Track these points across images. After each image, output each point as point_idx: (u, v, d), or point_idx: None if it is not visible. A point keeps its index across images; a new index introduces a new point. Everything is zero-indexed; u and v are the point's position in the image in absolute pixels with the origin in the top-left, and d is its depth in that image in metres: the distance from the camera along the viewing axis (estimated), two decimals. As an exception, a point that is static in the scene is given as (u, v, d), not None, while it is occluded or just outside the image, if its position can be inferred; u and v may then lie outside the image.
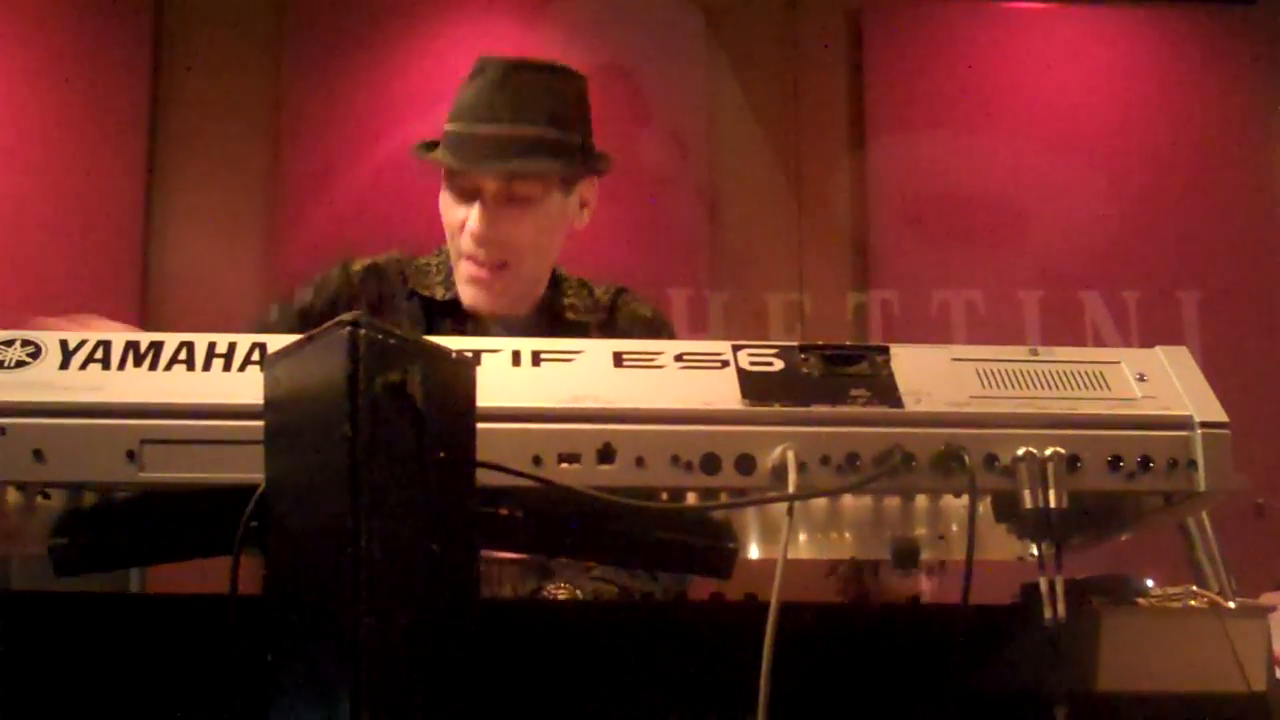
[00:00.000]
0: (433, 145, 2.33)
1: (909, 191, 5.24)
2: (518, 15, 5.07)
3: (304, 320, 2.33)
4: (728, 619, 1.47)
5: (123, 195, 4.99)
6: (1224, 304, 5.12)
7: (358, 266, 2.44)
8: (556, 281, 2.47)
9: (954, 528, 1.62)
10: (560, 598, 1.92)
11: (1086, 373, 1.42)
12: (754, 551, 1.65)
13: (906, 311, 5.08)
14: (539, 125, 2.26)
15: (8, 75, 5.02)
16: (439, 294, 2.39)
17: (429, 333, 2.30)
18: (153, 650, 1.43)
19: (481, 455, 1.26)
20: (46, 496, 1.37)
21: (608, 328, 2.43)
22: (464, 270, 2.32)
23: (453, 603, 1.23)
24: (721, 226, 5.22)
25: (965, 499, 1.37)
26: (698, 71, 5.28)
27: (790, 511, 1.29)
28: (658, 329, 2.48)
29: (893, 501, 1.55)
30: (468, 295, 2.34)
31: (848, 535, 1.67)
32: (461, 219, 2.29)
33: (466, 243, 2.29)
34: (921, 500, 1.53)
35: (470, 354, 1.32)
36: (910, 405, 1.37)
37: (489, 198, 2.26)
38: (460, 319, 2.37)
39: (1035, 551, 1.39)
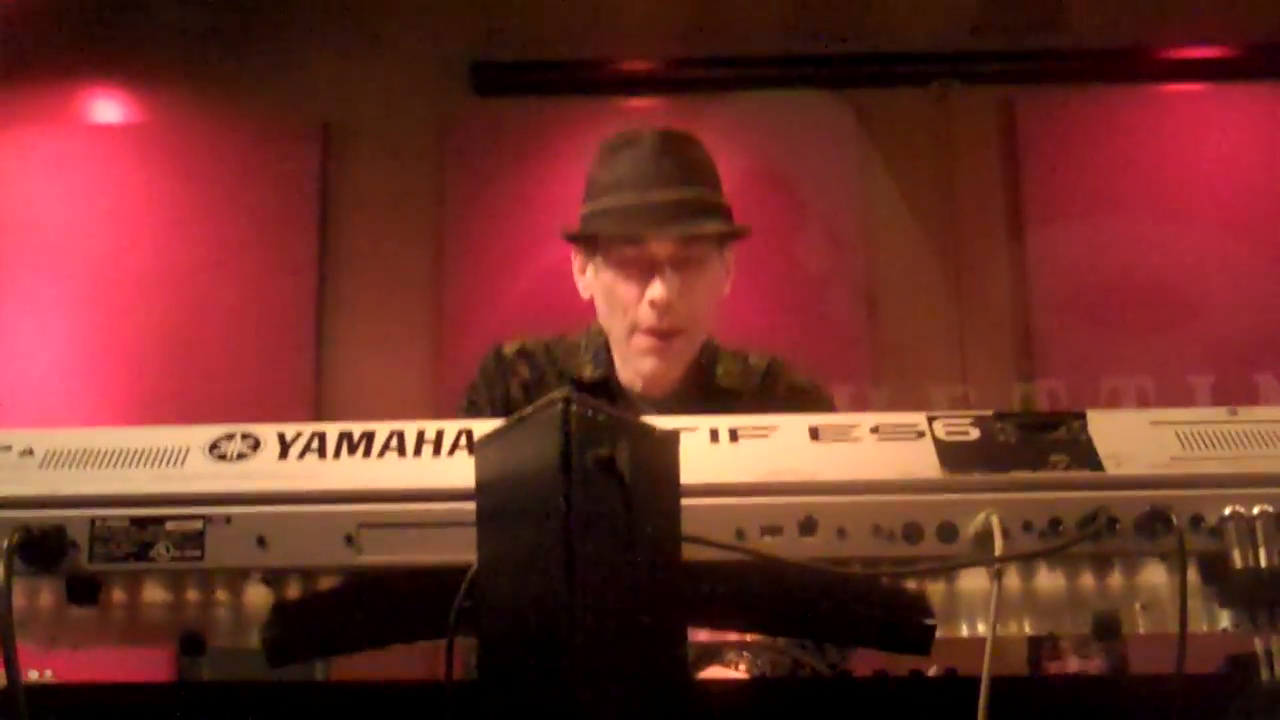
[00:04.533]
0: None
1: (1070, 278, 5.18)
2: (670, 122, 5.15)
3: (479, 415, 2.38)
4: (930, 695, 1.46)
5: (296, 316, 5.19)
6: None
7: (509, 350, 2.49)
8: (709, 351, 2.49)
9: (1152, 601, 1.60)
10: (743, 671, 1.92)
11: (1286, 431, 1.41)
12: (940, 630, 1.64)
13: (1075, 400, 5.01)
14: (704, 187, 2.33)
15: (188, 206, 5.25)
16: (589, 372, 2.43)
17: None
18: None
19: (686, 530, 1.29)
20: (267, 583, 1.41)
21: (763, 395, 2.45)
22: (639, 344, 2.34)
23: (663, 677, 1.25)
24: (881, 321, 5.21)
25: (1163, 573, 1.36)
26: (850, 168, 5.32)
27: (998, 576, 1.29)
28: (816, 398, 2.48)
29: (1087, 580, 1.53)
30: (646, 367, 2.36)
31: (1044, 611, 1.65)
32: (635, 293, 2.32)
33: (647, 315, 2.32)
34: (1118, 579, 1.52)
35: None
36: (1111, 468, 1.36)
37: (666, 264, 2.30)
38: (612, 399, 2.39)
39: (1232, 622, 1.36)
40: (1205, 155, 5.33)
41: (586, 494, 1.16)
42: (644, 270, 2.32)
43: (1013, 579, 1.52)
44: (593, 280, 2.42)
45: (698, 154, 2.39)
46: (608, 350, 2.46)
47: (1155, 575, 1.50)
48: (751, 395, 2.45)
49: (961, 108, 5.41)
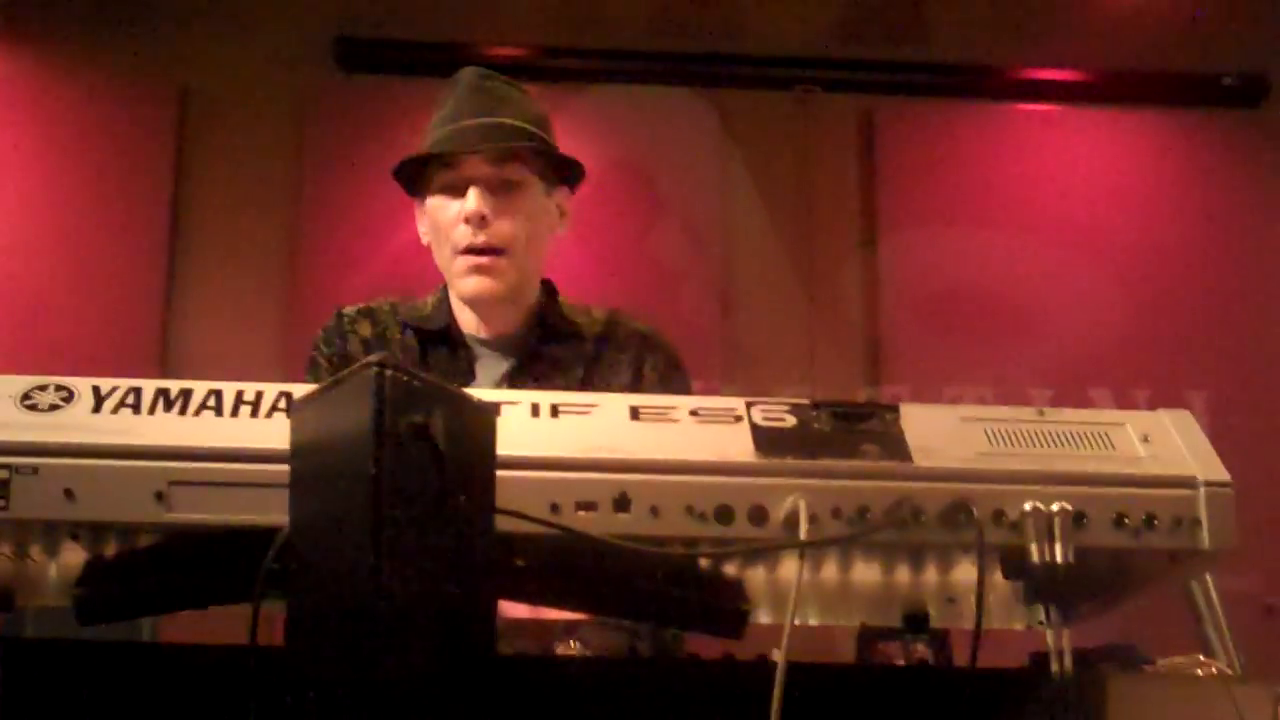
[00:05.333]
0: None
1: (921, 288, 5.28)
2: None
3: (318, 374, 2.42)
4: (738, 679, 1.48)
5: (145, 278, 5.09)
6: (1232, 403, 5.13)
7: (350, 310, 2.51)
8: (551, 295, 2.54)
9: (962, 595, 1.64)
10: (570, 654, 1.94)
11: (1092, 433, 1.45)
12: (765, 617, 1.67)
13: (917, 406, 5.09)
14: (522, 121, 2.40)
15: (39, 167, 5.14)
16: (434, 324, 2.46)
17: (423, 362, 2.39)
18: (166, 701, 1.45)
19: (500, 503, 1.29)
20: (75, 538, 1.39)
21: (605, 341, 2.50)
22: (463, 264, 2.38)
23: (470, 647, 1.25)
24: (734, 320, 5.26)
25: (972, 570, 1.40)
26: (712, 167, 5.36)
27: (801, 556, 1.31)
28: (655, 346, 2.53)
29: (903, 574, 1.57)
30: (469, 286, 2.39)
31: (857, 603, 1.68)
32: (455, 214, 2.37)
33: (463, 233, 2.36)
34: (931, 574, 1.56)
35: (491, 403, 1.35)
36: (920, 460, 1.40)
37: (482, 184, 2.35)
38: (454, 346, 2.42)
39: (1044, 617, 1.41)
40: (1054, 174, 5.46)
41: (398, 460, 1.16)
42: (460, 193, 2.37)
43: (830, 569, 1.55)
44: (423, 222, 2.47)
45: (515, 92, 2.47)
46: (447, 301, 2.48)
47: (965, 572, 1.54)
48: (593, 340, 2.49)
49: (823, 114, 5.48)
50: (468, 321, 2.46)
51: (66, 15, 5.25)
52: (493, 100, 2.41)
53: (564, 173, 2.49)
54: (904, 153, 5.46)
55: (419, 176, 2.44)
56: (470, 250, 2.37)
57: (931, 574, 1.57)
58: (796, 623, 1.34)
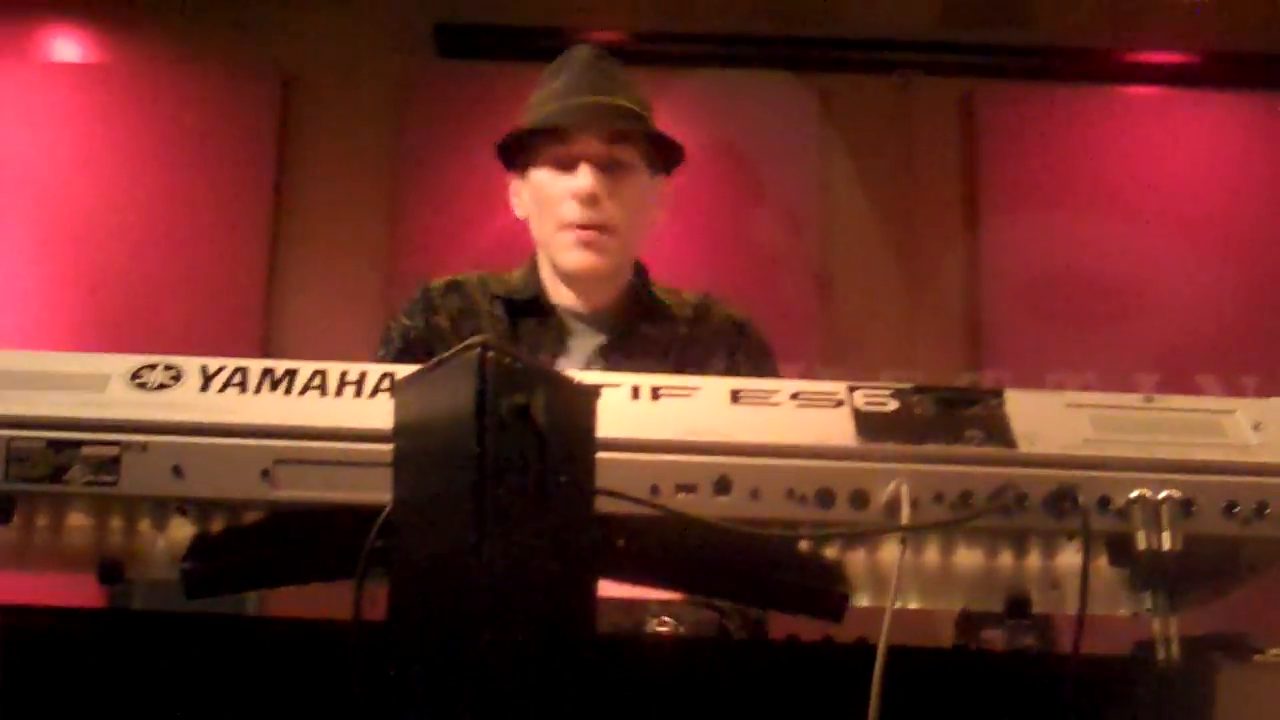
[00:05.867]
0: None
1: (1022, 271, 5.22)
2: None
3: (409, 344, 2.44)
4: (835, 662, 1.48)
5: (248, 260, 5.18)
6: (1343, 390, 5.02)
7: (437, 283, 2.51)
8: (642, 275, 2.54)
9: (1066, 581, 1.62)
10: (663, 632, 1.94)
11: (1201, 421, 1.43)
12: (866, 600, 1.66)
13: (1019, 392, 5.03)
14: (633, 103, 2.42)
15: (146, 147, 5.23)
16: (523, 294, 2.46)
17: (512, 332, 2.41)
18: (270, 674, 1.48)
19: (601, 484, 1.30)
20: (183, 514, 1.41)
21: (697, 324, 2.50)
22: (569, 238, 2.38)
23: (571, 625, 1.26)
24: (833, 304, 5.24)
25: (1079, 557, 1.38)
26: (811, 151, 5.33)
27: (903, 542, 1.31)
28: (749, 333, 2.53)
29: (1006, 559, 1.55)
30: (574, 260, 2.39)
31: (958, 587, 1.67)
32: (561, 189, 2.37)
33: (572, 209, 2.37)
34: (1035, 559, 1.54)
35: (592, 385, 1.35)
36: (1024, 447, 1.38)
37: (593, 162, 2.36)
38: (544, 316, 2.43)
39: (1150, 604, 1.38)
40: (1160, 158, 5.38)
41: (500, 440, 1.17)
42: (570, 169, 2.38)
43: (931, 553, 1.54)
44: (523, 194, 2.48)
45: (627, 74, 2.48)
46: (537, 272, 2.49)
47: (1069, 557, 1.52)
48: (686, 322, 2.49)
49: (923, 97, 5.43)
50: (562, 294, 2.46)
51: (172, 3, 5.34)
52: (607, 80, 2.42)
53: (667, 159, 2.50)
54: (1005, 136, 5.40)
55: (520, 149, 2.45)
56: (579, 226, 2.37)
57: (1035, 559, 1.55)
58: (897, 606, 1.34)
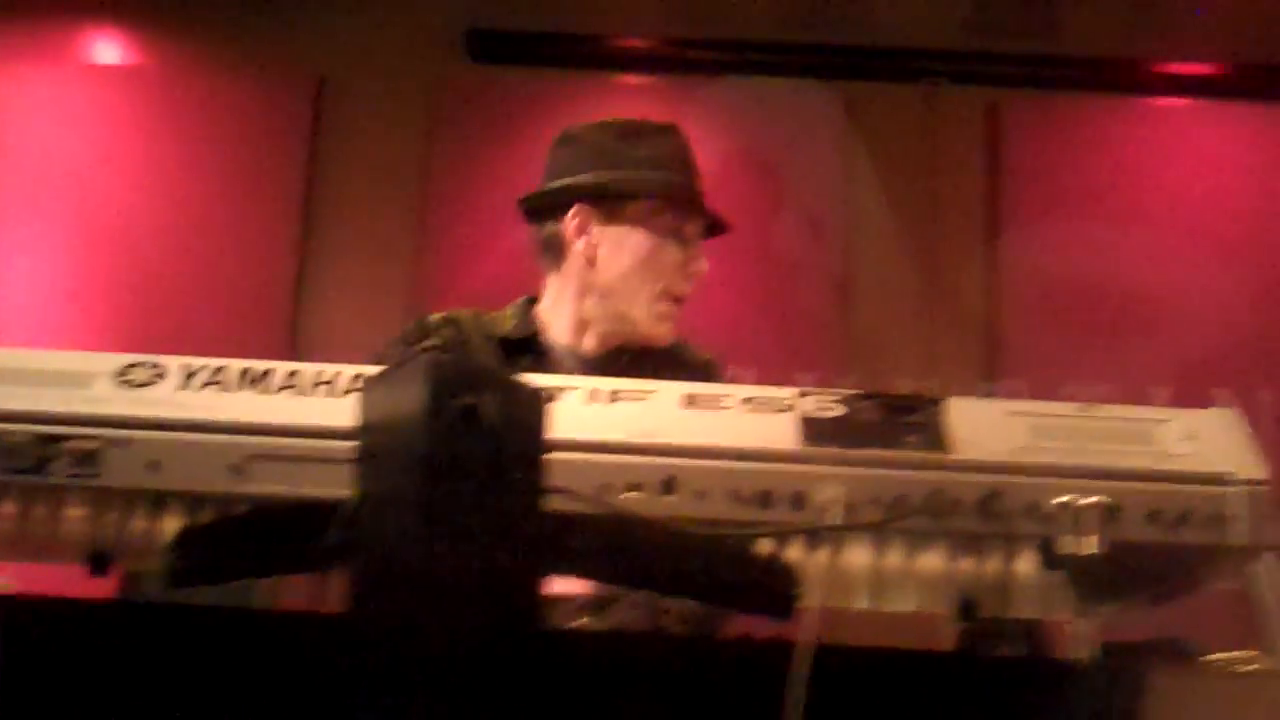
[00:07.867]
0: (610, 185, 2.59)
1: (1044, 284, 5.23)
2: (659, 101, 5.22)
3: None
4: (758, 657, 1.52)
5: (278, 262, 5.29)
6: (1364, 406, 5.03)
7: (434, 317, 2.65)
8: None
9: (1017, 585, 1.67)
10: (603, 628, 2.01)
11: (1134, 429, 1.49)
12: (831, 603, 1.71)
13: (1036, 402, 5.05)
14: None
15: (180, 149, 5.34)
16: (515, 333, 2.60)
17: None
18: (270, 671, 1.54)
19: (553, 483, 1.36)
20: (163, 507, 1.49)
21: (677, 368, 2.61)
22: (665, 308, 2.58)
23: (517, 619, 1.33)
24: (854, 312, 5.28)
25: (1030, 561, 1.43)
26: (834, 158, 5.38)
27: (827, 542, 1.37)
28: (714, 372, 2.66)
29: (959, 564, 1.59)
30: (663, 329, 2.60)
31: (910, 590, 1.72)
32: (677, 260, 2.57)
33: (682, 284, 2.59)
34: (982, 564, 1.58)
35: (545, 388, 1.42)
36: (958, 452, 1.44)
37: (699, 242, 2.61)
38: (538, 355, 2.52)
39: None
40: (1187, 171, 5.39)
41: (449, 439, 1.24)
42: (680, 243, 2.57)
43: (895, 557, 1.59)
44: (604, 238, 2.59)
45: None
46: (531, 311, 2.58)
47: (1019, 563, 1.57)
48: (666, 364, 2.59)
49: (949, 106, 5.47)
50: (561, 335, 2.61)
51: (205, 5, 5.44)
52: (695, 170, 2.63)
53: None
54: (1031, 147, 5.43)
55: (605, 194, 2.59)
56: (678, 299, 2.57)
57: (982, 563, 1.60)
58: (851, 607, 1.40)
